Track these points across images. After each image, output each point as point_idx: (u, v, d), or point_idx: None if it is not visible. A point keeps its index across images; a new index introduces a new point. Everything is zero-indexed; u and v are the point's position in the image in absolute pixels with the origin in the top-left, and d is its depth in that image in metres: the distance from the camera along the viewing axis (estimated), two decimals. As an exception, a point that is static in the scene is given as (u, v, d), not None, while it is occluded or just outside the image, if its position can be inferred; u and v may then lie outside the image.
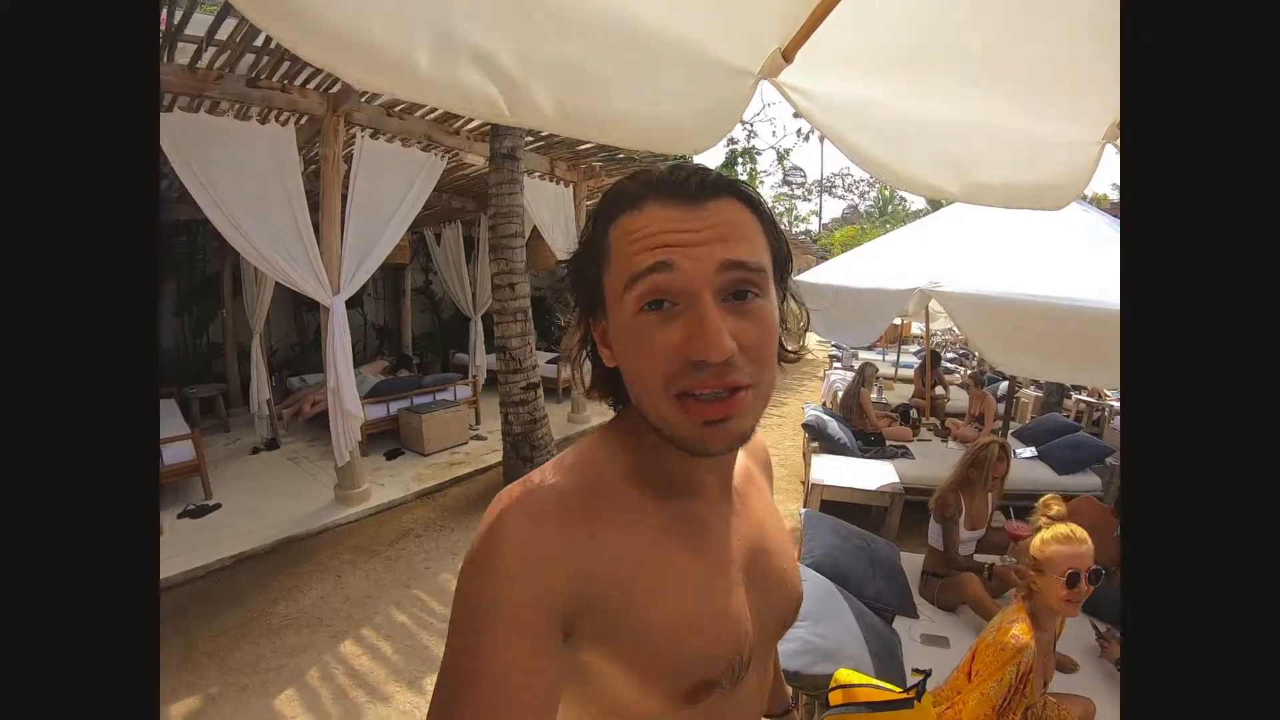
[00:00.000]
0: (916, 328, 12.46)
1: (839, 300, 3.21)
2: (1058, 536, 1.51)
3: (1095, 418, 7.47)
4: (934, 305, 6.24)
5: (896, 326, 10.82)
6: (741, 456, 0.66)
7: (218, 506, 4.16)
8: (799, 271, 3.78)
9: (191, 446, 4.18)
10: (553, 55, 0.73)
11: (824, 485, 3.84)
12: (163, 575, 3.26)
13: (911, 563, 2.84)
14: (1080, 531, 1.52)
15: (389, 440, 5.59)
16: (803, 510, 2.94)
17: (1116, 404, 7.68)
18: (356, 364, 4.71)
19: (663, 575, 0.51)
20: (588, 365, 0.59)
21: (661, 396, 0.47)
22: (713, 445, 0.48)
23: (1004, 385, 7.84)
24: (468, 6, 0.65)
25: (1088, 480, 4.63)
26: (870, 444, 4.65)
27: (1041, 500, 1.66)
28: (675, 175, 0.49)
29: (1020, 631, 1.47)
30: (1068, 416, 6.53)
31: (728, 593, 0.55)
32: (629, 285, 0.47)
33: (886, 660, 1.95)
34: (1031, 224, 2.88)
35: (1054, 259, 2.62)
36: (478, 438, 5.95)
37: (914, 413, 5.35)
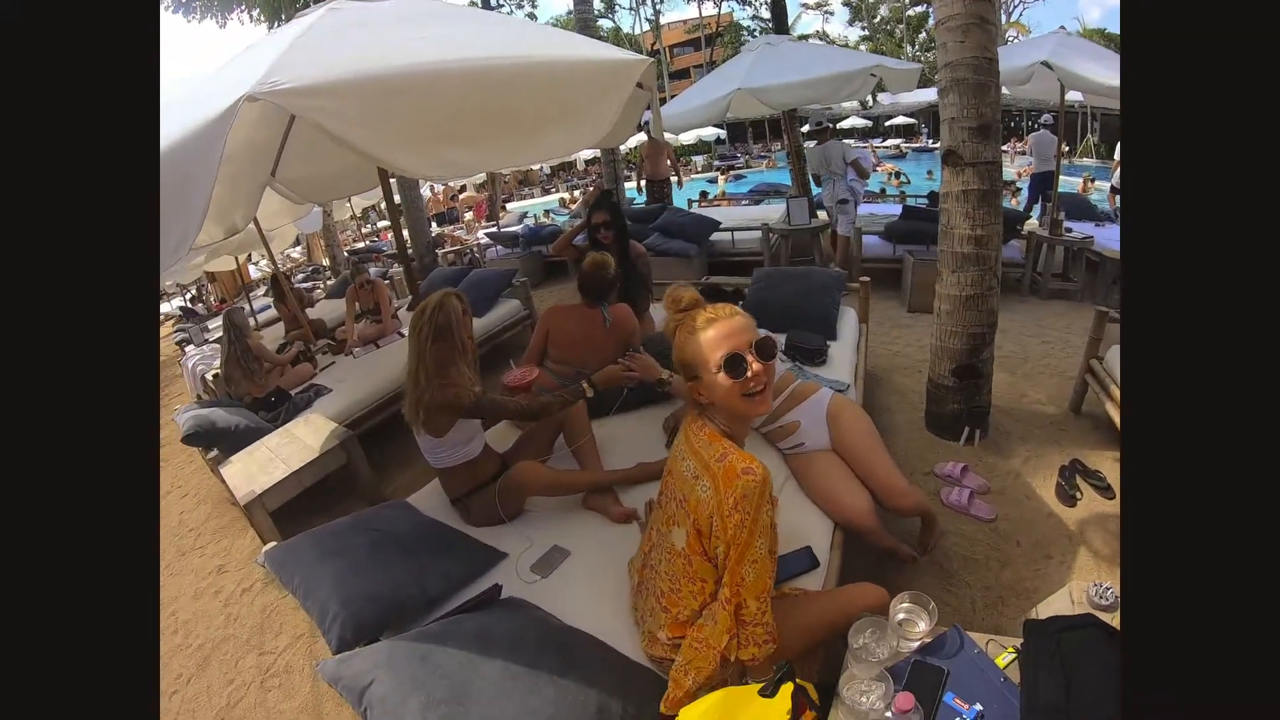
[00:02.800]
0: (254, 269, 10.35)
1: None
2: (695, 325, 1.13)
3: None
4: (271, 224, 4.90)
5: (234, 274, 8.88)
6: None
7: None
8: None
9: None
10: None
11: (260, 496, 2.64)
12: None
13: (432, 503, 2.07)
14: (727, 307, 1.15)
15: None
16: (260, 558, 1.71)
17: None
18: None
19: None
20: None
21: None
22: None
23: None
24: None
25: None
26: (273, 407, 3.43)
27: (667, 294, 1.21)
28: None
29: (743, 461, 1.07)
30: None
31: None
32: None
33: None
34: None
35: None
36: None
37: (299, 345, 4.25)
